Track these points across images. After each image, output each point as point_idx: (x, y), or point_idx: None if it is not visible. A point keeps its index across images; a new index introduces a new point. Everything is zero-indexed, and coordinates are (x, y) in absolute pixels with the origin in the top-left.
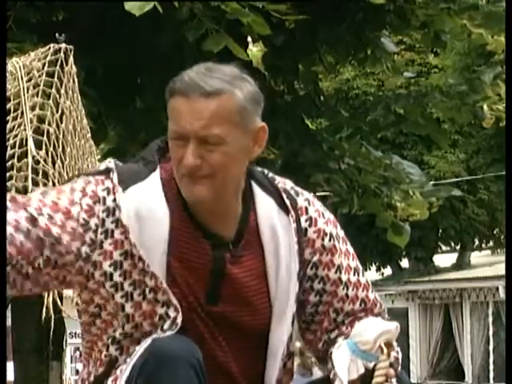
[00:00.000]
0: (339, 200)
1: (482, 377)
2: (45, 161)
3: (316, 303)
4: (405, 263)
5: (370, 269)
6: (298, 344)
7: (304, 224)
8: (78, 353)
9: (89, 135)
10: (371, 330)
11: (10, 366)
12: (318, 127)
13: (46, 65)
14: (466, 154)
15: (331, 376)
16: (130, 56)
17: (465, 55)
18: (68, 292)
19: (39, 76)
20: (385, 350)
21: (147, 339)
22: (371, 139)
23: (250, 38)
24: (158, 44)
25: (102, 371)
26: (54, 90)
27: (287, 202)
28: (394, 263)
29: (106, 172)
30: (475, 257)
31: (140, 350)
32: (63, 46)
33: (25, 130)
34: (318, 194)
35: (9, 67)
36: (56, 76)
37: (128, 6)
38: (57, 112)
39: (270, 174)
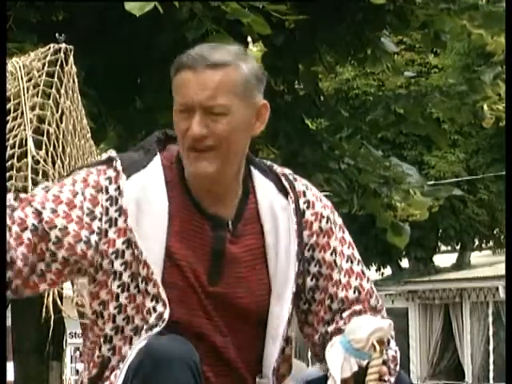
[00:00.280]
0: (339, 200)
1: (481, 377)
2: (45, 161)
3: (312, 288)
4: (405, 263)
5: (369, 269)
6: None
7: (302, 206)
8: (77, 353)
9: (89, 135)
10: (364, 327)
11: (10, 366)
12: (318, 127)
13: (46, 65)
14: (466, 153)
15: (328, 374)
16: (130, 56)
17: (465, 55)
18: (68, 292)
19: (39, 76)
20: (377, 348)
21: (140, 339)
22: (371, 139)
23: (250, 38)
24: (158, 44)
25: (95, 373)
26: (53, 90)
27: (286, 184)
28: (393, 263)
29: (108, 161)
30: (475, 257)
31: (134, 350)
32: (63, 46)
33: (25, 130)
34: None
35: (9, 67)
36: (56, 76)
37: (128, 6)
38: (57, 112)
39: (269, 162)
